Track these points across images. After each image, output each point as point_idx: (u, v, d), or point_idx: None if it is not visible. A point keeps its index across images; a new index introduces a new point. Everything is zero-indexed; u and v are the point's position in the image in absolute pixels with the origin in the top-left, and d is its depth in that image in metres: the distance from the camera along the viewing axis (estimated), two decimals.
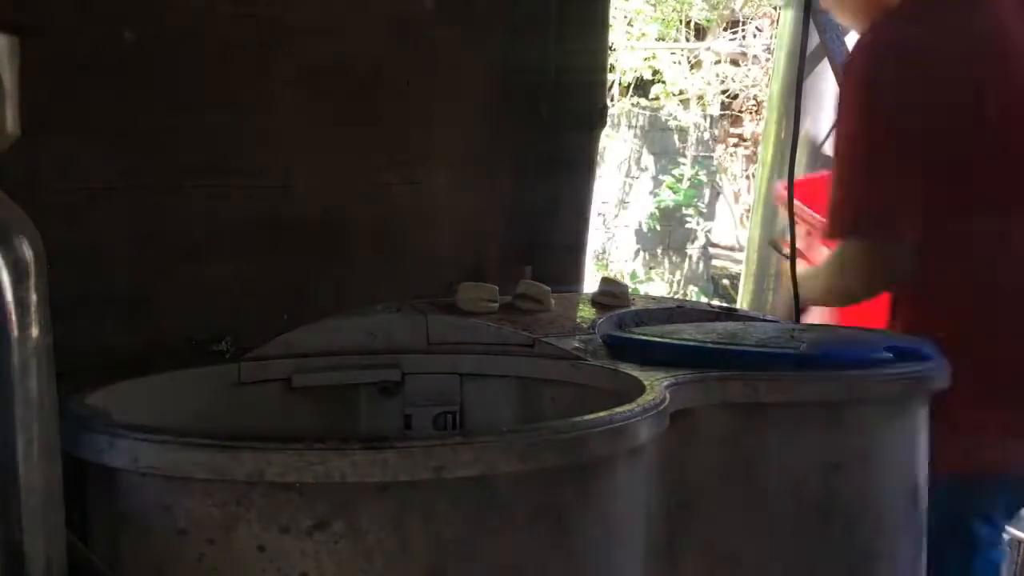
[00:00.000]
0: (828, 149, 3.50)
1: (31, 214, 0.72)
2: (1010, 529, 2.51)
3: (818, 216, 2.52)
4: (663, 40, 8.71)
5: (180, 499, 1.09)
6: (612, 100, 7.88)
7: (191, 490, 1.09)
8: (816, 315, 2.81)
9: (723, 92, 8.55)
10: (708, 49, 8.68)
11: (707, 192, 8.25)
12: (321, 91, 1.97)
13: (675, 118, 7.87)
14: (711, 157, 8.31)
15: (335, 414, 1.65)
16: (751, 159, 8.73)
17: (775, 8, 7.95)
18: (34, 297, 0.69)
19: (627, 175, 7.69)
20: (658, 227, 7.67)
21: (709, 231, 8.23)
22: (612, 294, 1.98)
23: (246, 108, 1.85)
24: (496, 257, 2.38)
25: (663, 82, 8.34)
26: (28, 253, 0.69)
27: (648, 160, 7.81)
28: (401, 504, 1.10)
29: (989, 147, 2.08)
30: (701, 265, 8.20)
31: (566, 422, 1.17)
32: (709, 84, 8.48)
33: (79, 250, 1.64)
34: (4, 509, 0.69)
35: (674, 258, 8.01)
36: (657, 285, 7.49)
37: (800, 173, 3.53)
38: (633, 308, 1.95)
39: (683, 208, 7.70)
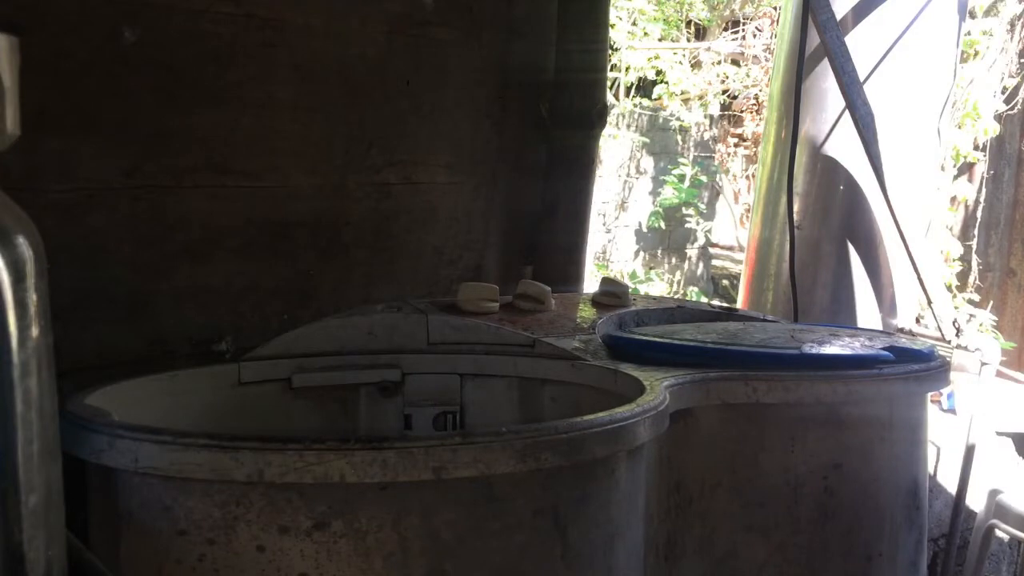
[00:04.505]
0: (828, 149, 3.51)
1: (31, 214, 0.72)
2: (1010, 529, 2.51)
3: None
4: (664, 40, 8.71)
5: (180, 499, 1.10)
6: (616, 100, 7.87)
7: (191, 490, 1.09)
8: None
9: (723, 92, 8.55)
10: (708, 49, 8.68)
11: (707, 192, 8.24)
12: (321, 91, 1.97)
13: (678, 118, 7.86)
14: (711, 157, 8.31)
15: (335, 414, 1.65)
16: (751, 159, 8.73)
17: (775, 8, 7.95)
18: (34, 297, 0.69)
19: (627, 175, 7.68)
20: (662, 224, 7.65)
21: (709, 231, 8.22)
22: (612, 294, 1.98)
23: (246, 108, 1.85)
24: (496, 257, 2.38)
25: (666, 82, 8.34)
26: (28, 253, 0.69)
27: (648, 160, 7.80)
28: (401, 504, 1.10)
29: None
30: (701, 265, 8.19)
31: (566, 422, 1.17)
32: (710, 84, 8.48)
33: (79, 250, 1.65)
34: (4, 509, 0.69)
35: (674, 258, 8.00)
36: (657, 285, 7.47)
37: (800, 173, 3.54)
38: (633, 308, 1.95)
39: (683, 208, 7.69)
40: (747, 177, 8.92)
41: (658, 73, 8.35)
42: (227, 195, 1.85)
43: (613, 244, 7.79)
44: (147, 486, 1.11)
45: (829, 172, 3.53)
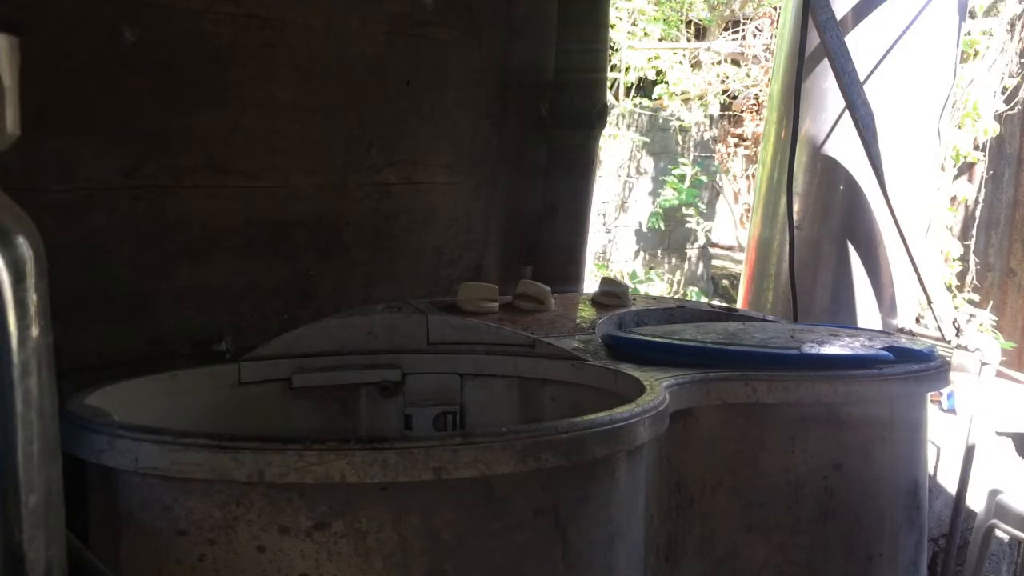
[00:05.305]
0: (828, 149, 3.51)
1: (31, 214, 0.72)
2: (1010, 529, 2.51)
3: None
4: (664, 40, 8.71)
5: (180, 499, 1.09)
6: (616, 100, 7.87)
7: (191, 490, 1.09)
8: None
9: (723, 92, 8.55)
10: (708, 49, 8.68)
11: (707, 192, 8.24)
12: (321, 91, 1.97)
13: (678, 118, 7.86)
14: (711, 157, 8.31)
15: (335, 414, 1.65)
16: (751, 159, 8.73)
17: (775, 8, 7.95)
18: (34, 297, 0.69)
19: (627, 175, 7.68)
20: (662, 224, 7.65)
21: (709, 231, 8.22)
22: (612, 294, 1.98)
23: (246, 108, 1.85)
24: (496, 257, 2.38)
25: (666, 82, 8.34)
26: (28, 253, 0.69)
27: (648, 160, 7.80)
28: (401, 504, 1.10)
29: None
30: (701, 265, 8.19)
31: (566, 422, 1.17)
32: (710, 84, 8.48)
33: (79, 250, 1.64)
34: (4, 509, 0.69)
35: (674, 258, 8.00)
36: (657, 285, 7.47)
37: (800, 173, 3.54)
38: (633, 308, 1.95)
39: (683, 208, 7.69)
40: (747, 177, 8.92)
41: (658, 73, 8.35)
42: (227, 195, 1.85)
43: (613, 244, 7.79)
44: (147, 486, 1.11)
45: (829, 172, 3.53)
